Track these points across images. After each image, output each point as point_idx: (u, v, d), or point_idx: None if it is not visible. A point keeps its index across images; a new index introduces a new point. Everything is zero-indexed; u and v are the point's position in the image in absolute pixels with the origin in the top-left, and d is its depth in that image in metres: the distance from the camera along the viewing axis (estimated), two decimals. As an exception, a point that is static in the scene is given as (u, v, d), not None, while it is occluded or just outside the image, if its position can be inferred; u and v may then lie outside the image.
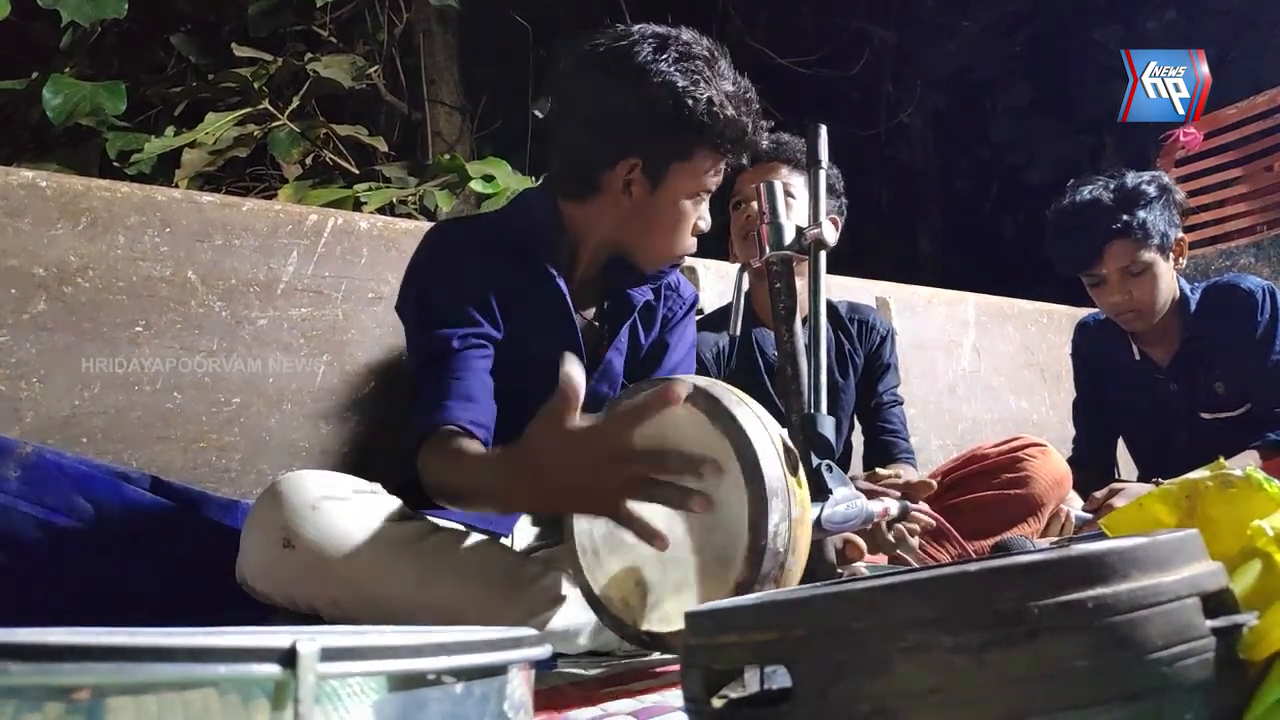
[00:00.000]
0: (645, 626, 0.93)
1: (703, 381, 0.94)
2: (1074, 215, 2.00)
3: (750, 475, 0.86)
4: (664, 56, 1.23)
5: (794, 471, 0.89)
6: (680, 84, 1.22)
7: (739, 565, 0.85)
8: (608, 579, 0.97)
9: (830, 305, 1.87)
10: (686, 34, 1.28)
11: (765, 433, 0.89)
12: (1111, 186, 1.99)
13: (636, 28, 1.27)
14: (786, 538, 0.86)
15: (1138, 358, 2.14)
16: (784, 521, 0.86)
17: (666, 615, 0.92)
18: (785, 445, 0.91)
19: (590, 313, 1.40)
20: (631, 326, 1.41)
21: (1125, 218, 1.92)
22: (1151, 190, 1.96)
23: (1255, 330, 2.00)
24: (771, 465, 0.86)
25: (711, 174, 1.32)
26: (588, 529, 1.00)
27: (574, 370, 0.86)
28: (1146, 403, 2.15)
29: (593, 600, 0.99)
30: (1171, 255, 2.01)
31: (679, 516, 0.92)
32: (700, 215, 1.35)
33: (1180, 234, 2.03)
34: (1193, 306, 2.05)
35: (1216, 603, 0.49)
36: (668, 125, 1.24)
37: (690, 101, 1.22)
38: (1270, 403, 1.97)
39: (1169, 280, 2.01)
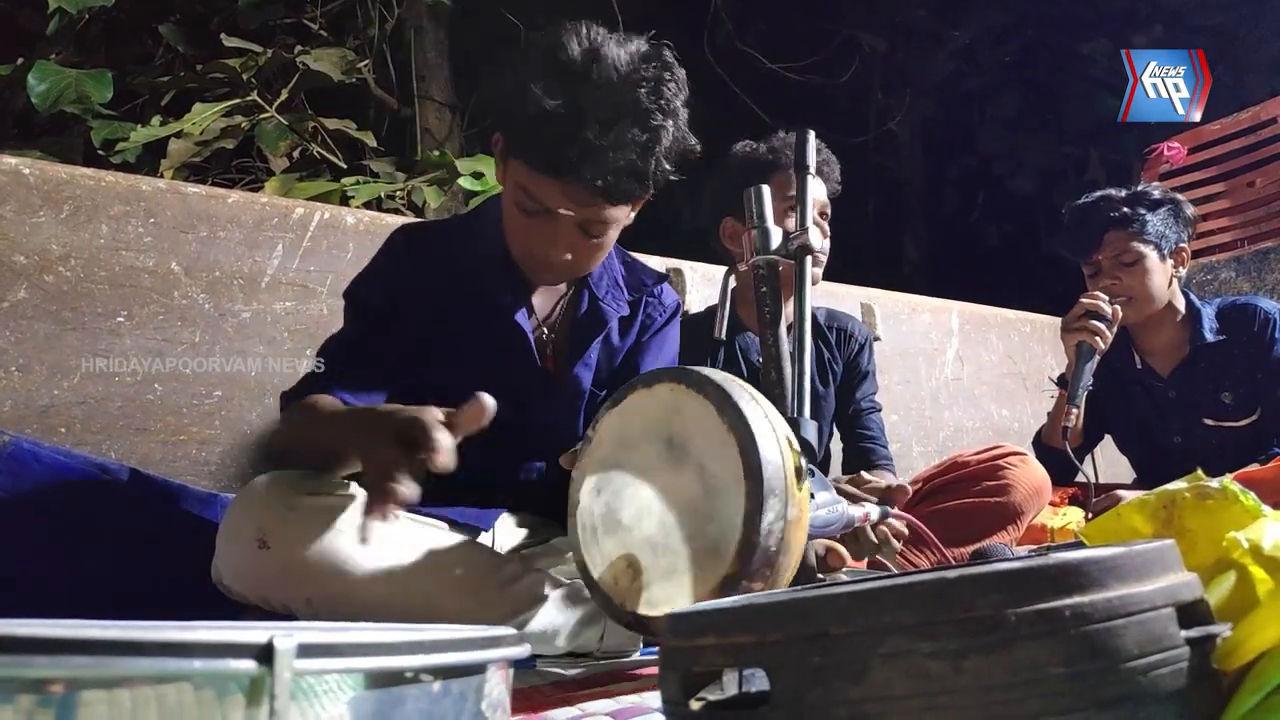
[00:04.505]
0: (633, 609, 0.93)
1: (716, 375, 0.94)
2: (1084, 207, 2.17)
3: (750, 472, 0.86)
4: (563, 51, 1.11)
5: (797, 473, 0.90)
6: (537, 83, 1.10)
7: (728, 559, 0.85)
8: (602, 557, 0.97)
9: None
10: (624, 50, 1.13)
11: (772, 431, 0.89)
12: (1124, 189, 2.17)
13: (589, 31, 1.15)
14: (780, 536, 0.86)
15: (1138, 365, 2.23)
16: (779, 521, 0.86)
17: (653, 600, 0.92)
18: (791, 446, 0.91)
19: (552, 318, 1.38)
20: (601, 339, 1.39)
21: (1126, 210, 2.08)
22: (1157, 194, 2.14)
23: (1273, 348, 2.11)
24: (773, 463, 0.87)
25: (540, 190, 1.15)
26: (589, 507, 1.00)
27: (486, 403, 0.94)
28: (1142, 407, 2.24)
29: (587, 577, 0.99)
30: (1170, 261, 2.11)
31: (674, 504, 0.92)
32: (539, 235, 1.20)
33: (1184, 244, 2.14)
34: (1205, 320, 2.15)
35: (1192, 613, 0.49)
36: (510, 114, 1.15)
37: (530, 100, 1.10)
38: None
39: (1161, 279, 2.10)
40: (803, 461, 0.92)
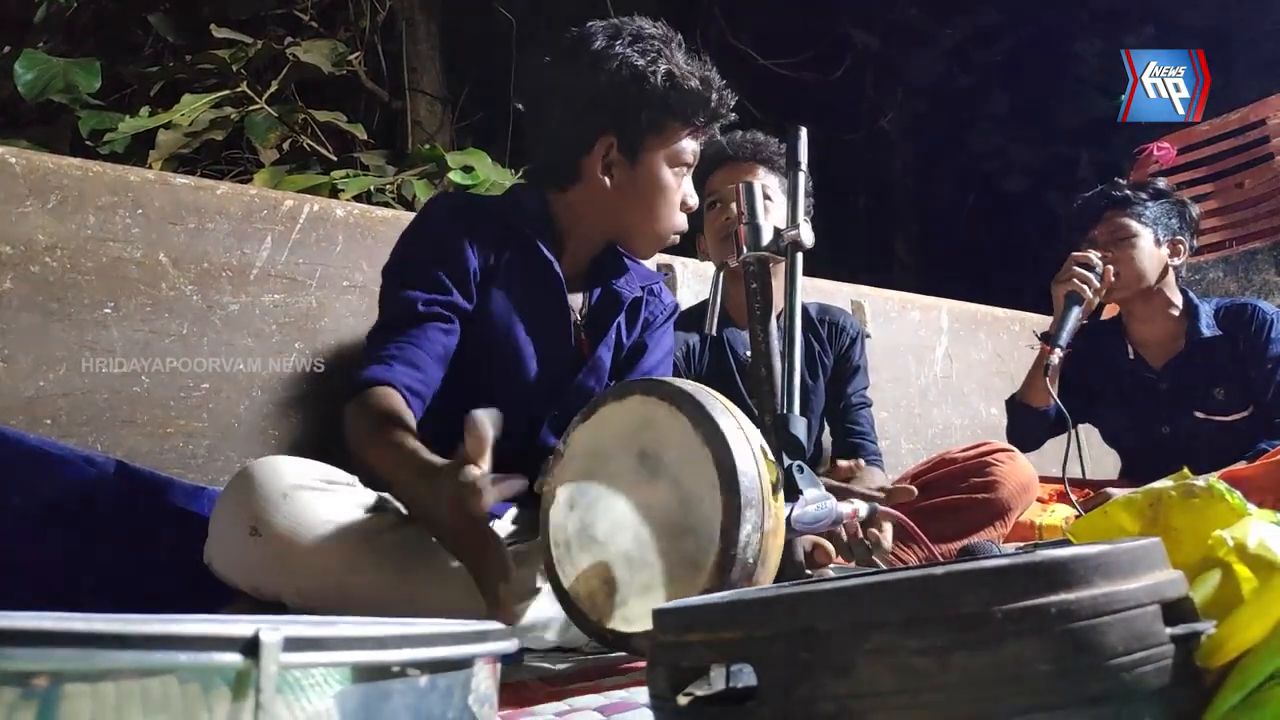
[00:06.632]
0: (609, 625, 0.93)
1: (689, 386, 0.93)
2: (1090, 194, 2.26)
3: (726, 484, 0.85)
4: (619, 41, 1.30)
5: (772, 483, 0.89)
6: (639, 62, 1.29)
7: (707, 572, 0.85)
8: (577, 573, 0.96)
9: (801, 307, 1.88)
10: (639, 21, 1.34)
11: (746, 442, 0.89)
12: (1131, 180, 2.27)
13: (591, 23, 1.34)
14: (757, 549, 0.86)
15: (1131, 357, 2.26)
16: (756, 533, 0.85)
17: (630, 616, 0.91)
18: (766, 456, 0.91)
19: (578, 304, 1.41)
20: (617, 323, 1.42)
21: (1128, 193, 2.18)
22: (1161, 185, 2.24)
23: (1269, 348, 2.15)
24: (749, 475, 0.86)
25: (688, 146, 1.36)
26: (563, 523, 1.00)
27: (484, 424, 0.87)
28: (1132, 397, 2.27)
29: (560, 594, 0.98)
30: (1166, 248, 2.17)
31: (649, 518, 0.92)
32: (686, 192, 1.39)
33: (1182, 237, 2.20)
34: (1202, 317, 2.18)
35: (1176, 610, 0.50)
36: (635, 101, 1.29)
37: (652, 76, 1.29)
38: (1272, 414, 2.12)
39: (1152, 262, 2.15)
40: (779, 472, 0.92)
